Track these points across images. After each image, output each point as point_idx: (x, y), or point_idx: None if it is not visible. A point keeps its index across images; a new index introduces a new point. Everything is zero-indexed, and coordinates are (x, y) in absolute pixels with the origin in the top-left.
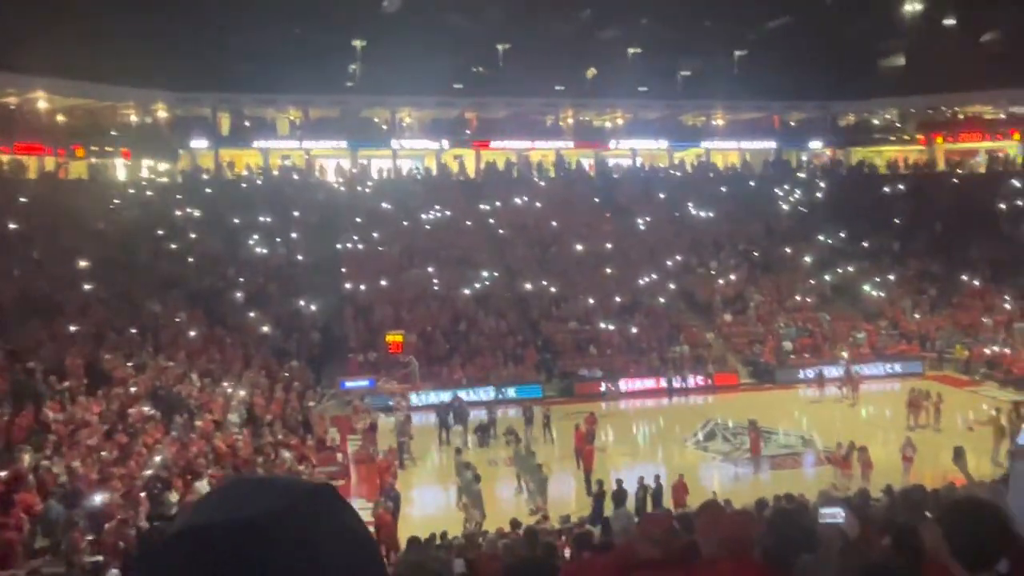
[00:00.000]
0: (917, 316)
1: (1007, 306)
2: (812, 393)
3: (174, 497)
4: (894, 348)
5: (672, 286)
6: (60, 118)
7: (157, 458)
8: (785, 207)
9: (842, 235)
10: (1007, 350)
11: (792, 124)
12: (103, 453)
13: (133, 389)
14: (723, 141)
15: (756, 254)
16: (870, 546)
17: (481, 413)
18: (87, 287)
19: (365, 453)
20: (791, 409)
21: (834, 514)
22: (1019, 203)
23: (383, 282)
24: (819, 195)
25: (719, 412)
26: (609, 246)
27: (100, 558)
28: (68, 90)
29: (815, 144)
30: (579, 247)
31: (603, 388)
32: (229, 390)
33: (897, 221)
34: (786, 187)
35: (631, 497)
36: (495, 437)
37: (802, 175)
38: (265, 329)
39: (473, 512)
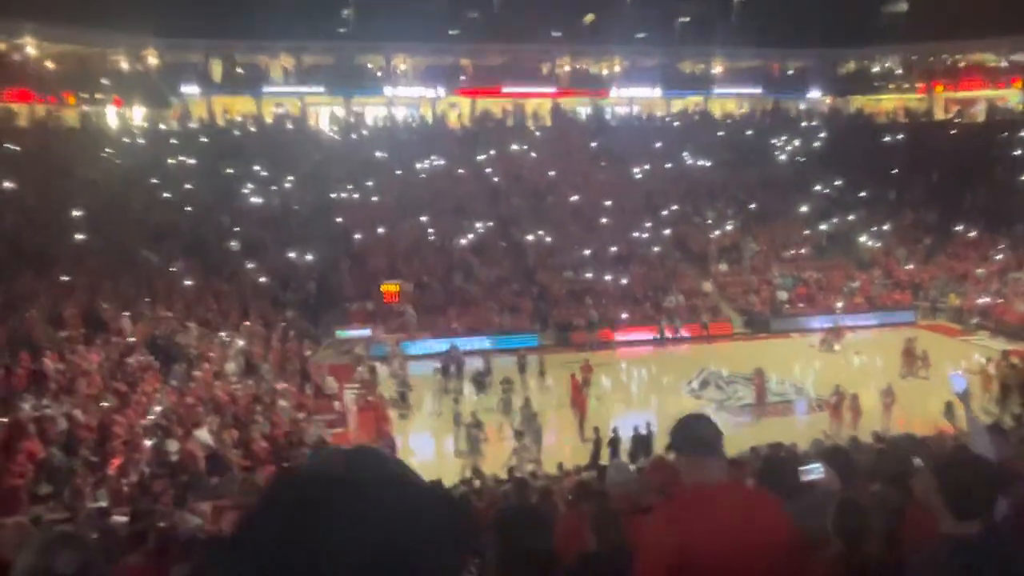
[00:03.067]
0: (911, 265)
1: (1001, 256)
2: (818, 341)
3: (174, 445)
4: (887, 297)
5: (667, 236)
6: (49, 65)
7: (156, 407)
8: (782, 156)
9: (838, 184)
10: (1000, 300)
11: (791, 72)
12: (103, 403)
13: (131, 339)
14: (721, 88)
15: (752, 204)
16: (858, 493)
17: (478, 362)
18: (81, 237)
19: (363, 401)
20: (785, 358)
21: (812, 470)
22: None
23: (379, 231)
24: (816, 144)
25: (713, 361)
26: (605, 195)
27: (104, 504)
28: (56, 36)
29: (814, 92)
30: (575, 196)
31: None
32: (227, 339)
33: (894, 170)
34: (783, 136)
35: (625, 444)
36: (491, 386)
37: (800, 124)
38: (261, 279)
39: (471, 459)
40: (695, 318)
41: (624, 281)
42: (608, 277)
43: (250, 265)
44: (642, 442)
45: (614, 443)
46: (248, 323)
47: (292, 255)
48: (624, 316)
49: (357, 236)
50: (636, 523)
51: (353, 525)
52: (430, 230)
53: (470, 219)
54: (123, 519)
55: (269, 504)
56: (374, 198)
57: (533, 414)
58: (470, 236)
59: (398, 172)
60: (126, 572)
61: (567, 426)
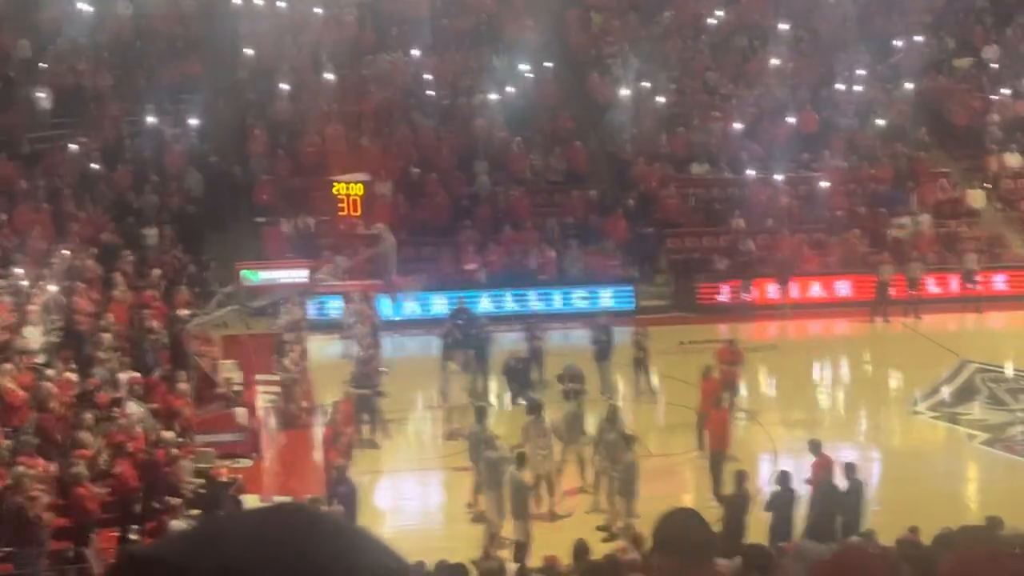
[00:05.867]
0: None
1: None
2: None
3: None
4: None
5: (900, 92)
6: None
7: None
8: None
9: None
10: None
11: None
12: None
13: None
14: None
15: None
16: None
17: (517, 339)
18: None
19: (293, 410)
20: None
21: None
22: None
23: (326, 77)
24: None
25: (983, 348)
26: (772, 16)
27: None
28: None
29: None
30: (712, 16)
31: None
32: (25, 283)
33: None
34: None
35: (801, 505)
36: (543, 384)
37: None
38: (92, 165)
39: (516, 524)
40: (952, 261)
41: (810, 184)
42: (778, 177)
43: (70, 138)
44: (835, 505)
45: (780, 504)
46: (68, 251)
47: (151, 118)
48: (804, 255)
49: (283, 85)
50: None
51: None
52: (426, 77)
53: (502, 57)
54: None
55: None
56: (316, 11)
57: (623, 439)
58: (503, 90)
59: None
60: None
61: (689, 465)
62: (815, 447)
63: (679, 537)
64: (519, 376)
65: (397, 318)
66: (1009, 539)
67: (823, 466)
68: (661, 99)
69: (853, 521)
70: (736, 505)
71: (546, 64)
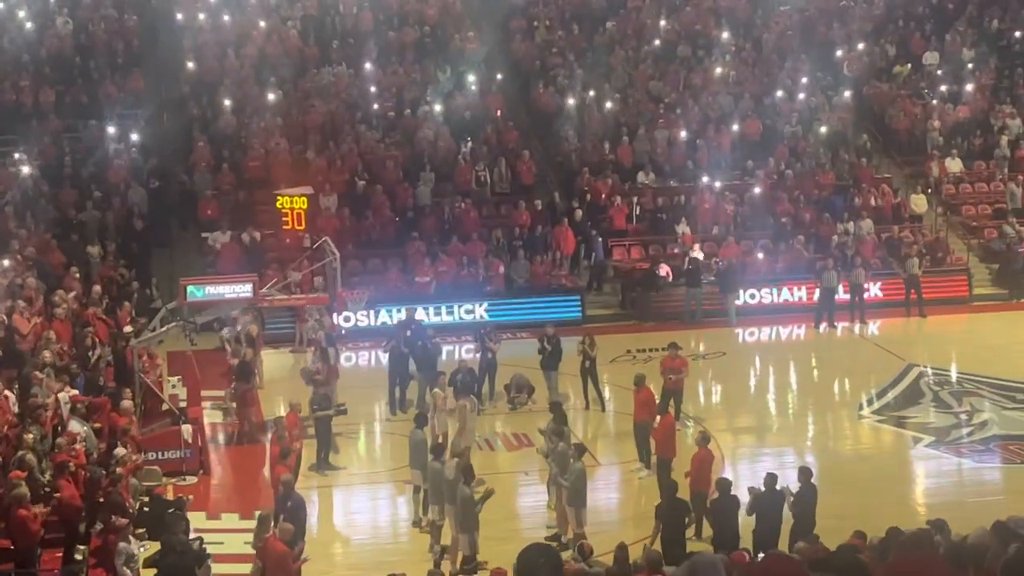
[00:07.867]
0: None
1: None
2: None
3: None
4: None
5: (842, 97)
6: None
7: None
8: None
9: None
10: None
11: None
12: None
13: None
14: None
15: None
16: None
17: (465, 350)
18: None
19: (242, 424)
20: None
21: None
22: None
23: (270, 90)
24: None
25: (928, 352)
26: (715, 26)
27: None
28: None
29: None
30: (655, 27)
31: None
32: None
33: None
34: None
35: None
36: (492, 397)
37: None
38: (25, 169)
39: (462, 536)
40: (894, 265)
41: (754, 190)
42: (721, 183)
43: (10, 155)
44: (773, 514)
45: (722, 508)
46: (6, 264)
47: (94, 128)
48: (752, 258)
49: (226, 99)
50: None
51: None
52: (371, 87)
53: (447, 65)
54: None
55: None
56: (261, 23)
57: (574, 448)
58: (449, 99)
59: None
60: None
61: (637, 475)
62: (703, 440)
63: (531, 571)
64: (466, 389)
65: (344, 331)
66: (953, 545)
67: (703, 460)
68: (607, 108)
69: (801, 531)
70: (672, 514)
71: (491, 75)
